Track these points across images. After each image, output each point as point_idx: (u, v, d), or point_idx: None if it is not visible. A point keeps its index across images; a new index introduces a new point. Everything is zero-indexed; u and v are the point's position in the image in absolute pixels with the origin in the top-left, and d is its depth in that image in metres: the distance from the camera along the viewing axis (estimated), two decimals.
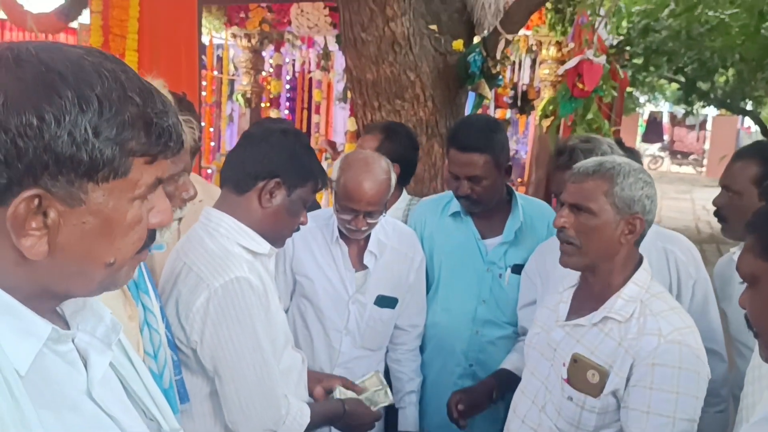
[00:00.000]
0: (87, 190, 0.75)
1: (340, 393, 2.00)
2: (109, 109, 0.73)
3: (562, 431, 1.73)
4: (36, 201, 0.72)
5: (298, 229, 1.81)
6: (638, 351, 1.61)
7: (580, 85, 2.95)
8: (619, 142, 3.21)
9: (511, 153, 8.34)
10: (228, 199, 1.73)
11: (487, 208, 2.34)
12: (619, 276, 1.72)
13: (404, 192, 2.79)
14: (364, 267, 2.26)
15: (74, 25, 5.48)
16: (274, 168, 1.69)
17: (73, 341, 0.84)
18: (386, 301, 2.28)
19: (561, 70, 3.12)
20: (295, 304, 2.34)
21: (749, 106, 14.31)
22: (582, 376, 1.66)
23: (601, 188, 1.67)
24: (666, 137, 25.57)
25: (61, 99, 0.71)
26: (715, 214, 2.12)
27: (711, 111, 20.96)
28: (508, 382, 2.20)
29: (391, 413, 2.46)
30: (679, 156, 24.12)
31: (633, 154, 3.22)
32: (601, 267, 1.72)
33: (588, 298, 1.76)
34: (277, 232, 1.75)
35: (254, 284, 1.59)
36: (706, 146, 23.66)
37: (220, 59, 9.13)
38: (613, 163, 1.70)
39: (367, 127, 2.84)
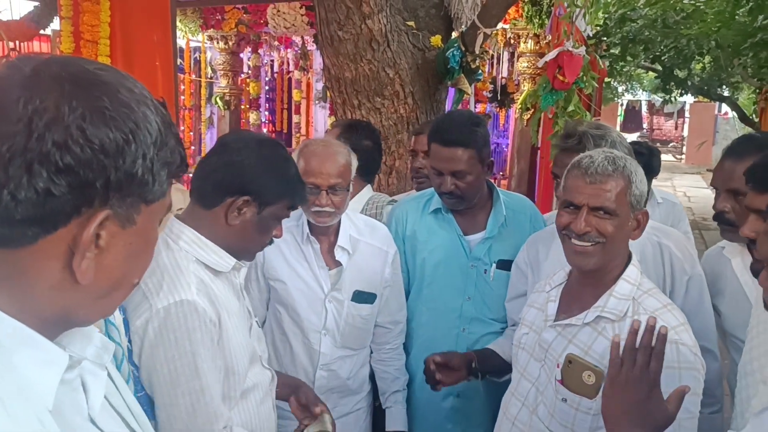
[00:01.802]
0: (140, 211, 0.76)
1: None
2: (165, 134, 0.75)
3: None
4: (101, 222, 0.71)
5: (271, 242, 1.71)
6: None
7: (561, 77, 2.93)
8: None
9: (493, 146, 8.41)
10: (194, 212, 1.62)
11: (470, 205, 2.32)
12: (611, 273, 1.69)
13: (368, 187, 2.77)
14: (338, 264, 2.24)
15: (48, 32, 5.40)
16: (245, 184, 1.57)
17: None
18: (364, 297, 2.26)
19: (541, 62, 3.10)
20: (271, 312, 2.30)
21: (726, 93, 14.45)
22: (577, 377, 1.63)
23: (623, 188, 1.63)
24: (645, 126, 25.81)
25: (137, 121, 0.71)
26: (717, 218, 2.04)
27: (688, 98, 21.13)
28: (490, 360, 2.16)
29: (378, 414, 2.44)
30: (658, 144, 24.33)
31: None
32: (611, 264, 1.69)
33: (578, 297, 1.73)
34: (244, 248, 1.65)
35: (200, 308, 1.48)
36: (685, 133, 23.89)
37: (197, 62, 9.06)
38: (624, 160, 1.65)
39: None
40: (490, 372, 2.15)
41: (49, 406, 0.70)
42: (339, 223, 2.24)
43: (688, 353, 1.56)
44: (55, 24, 4.81)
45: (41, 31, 5.62)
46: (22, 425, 0.66)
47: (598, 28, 7.58)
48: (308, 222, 2.22)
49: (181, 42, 8.02)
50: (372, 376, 2.42)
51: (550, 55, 3.00)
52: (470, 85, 3.67)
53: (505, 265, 2.30)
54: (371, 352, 2.41)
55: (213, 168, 1.60)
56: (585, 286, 1.72)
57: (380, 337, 2.38)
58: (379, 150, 2.84)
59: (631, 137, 23.76)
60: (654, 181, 3.72)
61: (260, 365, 1.72)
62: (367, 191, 2.75)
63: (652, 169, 3.69)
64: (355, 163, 2.21)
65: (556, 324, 1.73)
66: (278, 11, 6.43)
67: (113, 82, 0.72)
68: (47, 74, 0.69)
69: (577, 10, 3.08)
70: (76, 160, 0.67)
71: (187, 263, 1.54)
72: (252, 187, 1.57)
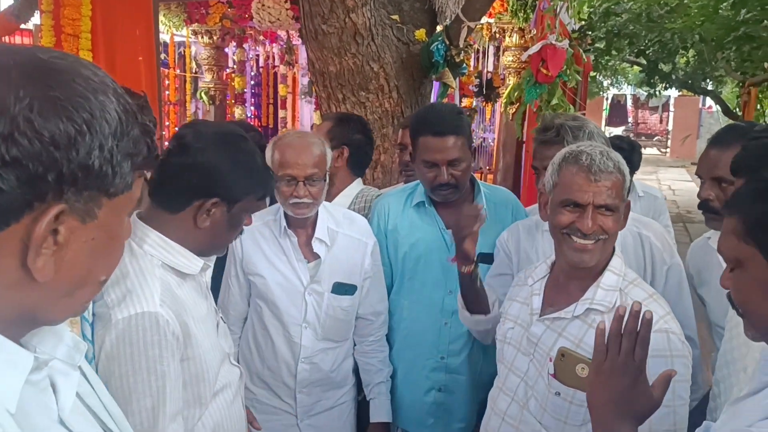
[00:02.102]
0: (102, 205, 0.72)
1: None
2: (126, 123, 0.72)
3: (547, 427, 1.69)
4: (56, 217, 0.68)
5: (241, 232, 1.67)
6: None
7: (544, 71, 2.94)
8: None
9: (479, 140, 8.42)
10: (159, 216, 1.52)
11: (461, 196, 2.32)
12: (598, 265, 1.69)
13: (358, 181, 2.76)
14: (316, 256, 2.24)
15: (30, 26, 5.34)
16: (212, 186, 1.49)
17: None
18: (344, 288, 2.26)
19: (524, 56, 3.11)
20: (252, 307, 2.31)
21: (710, 86, 14.56)
22: (570, 370, 1.62)
23: (621, 184, 1.65)
24: (630, 120, 25.95)
25: (92, 110, 0.68)
26: (702, 207, 2.05)
27: (673, 92, 21.27)
28: (479, 292, 2.09)
29: (363, 408, 2.44)
30: (643, 138, 24.48)
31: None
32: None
33: (564, 289, 1.74)
34: (215, 246, 1.61)
35: (162, 321, 1.41)
36: (670, 127, 24.04)
37: (182, 57, 9.01)
38: (617, 156, 1.67)
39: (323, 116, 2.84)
40: (476, 301, 2.08)
41: (11, 409, 0.68)
42: (316, 215, 2.24)
43: (677, 341, 1.58)
44: (37, 18, 4.76)
45: (23, 26, 5.56)
46: None
47: (583, 22, 7.61)
48: (285, 215, 2.22)
49: (165, 37, 7.96)
50: (356, 369, 2.42)
51: (534, 49, 3.01)
52: (455, 78, 3.67)
53: (486, 258, 2.30)
54: (354, 345, 2.41)
55: (176, 171, 1.51)
56: (571, 278, 1.72)
57: (362, 329, 2.38)
58: (371, 143, 2.82)
59: (617, 131, 23.96)
60: (638, 174, 3.75)
61: (228, 363, 1.68)
62: (356, 185, 2.74)
63: (632, 164, 3.71)
64: (330, 153, 2.21)
65: (544, 318, 1.73)
66: (263, 5, 6.39)
67: (68, 70, 0.69)
68: None
69: (561, 3, 3.09)
70: (24, 152, 0.64)
71: (153, 269, 1.47)
72: (219, 188, 1.51)
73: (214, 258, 1.67)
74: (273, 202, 2.18)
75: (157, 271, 1.47)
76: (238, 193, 1.54)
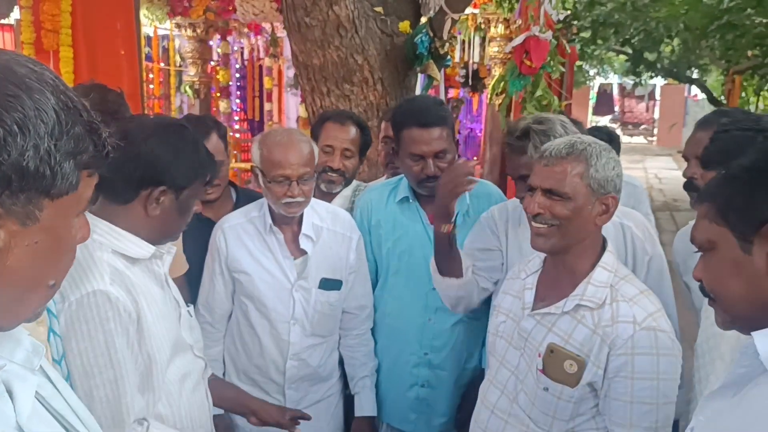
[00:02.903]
0: (42, 207, 0.70)
1: None
2: (65, 122, 0.69)
3: (536, 422, 1.70)
4: None
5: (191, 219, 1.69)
6: (614, 339, 1.59)
7: (528, 62, 2.94)
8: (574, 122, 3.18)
9: (466, 131, 8.41)
10: (108, 209, 1.55)
11: None
12: (587, 260, 1.69)
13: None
14: (302, 252, 2.23)
15: (10, 21, 5.26)
16: (158, 174, 1.53)
17: None
18: (330, 284, 2.26)
19: (508, 47, 3.11)
20: (237, 305, 2.30)
21: (695, 75, 14.62)
22: (559, 366, 1.63)
23: (577, 170, 1.63)
24: (617, 109, 26.01)
25: (24, 110, 0.66)
26: (687, 186, 2.07)
27: (659, 81, 21.34)
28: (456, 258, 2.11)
29: (349, 401, 2.44)
30: (630, 127, 24.56)
31: (579, 125, 3.20)
32: (572, 250, 1.69)
33: (555, 284, 1.73)
34: (167, 233, 1.63)
35: (114, 297, 1.44)
36: (656, 116, 24.13)
37: (165, 50, 8.92)
38: (584, 144, 1.66)
39: (338, 115, 2.70)
40: (450, 264, 2.10)
41: None
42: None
43: (665, 339, 1.58)
44: (16, 13, 4.69)
45: (4, 21, 5.49)
46: None
47: (568, 11, 7.61)
48: (271, 212, 2.21)
49: (148, 30, 7.88)
50: (342, 362, 2.43)
51: (517, 41, 3.00)
52: (439, 70, 3.65)
53: None
54: (340, 339, 2.41)
55: (120, 162, 1.50)
56: (562, 273, 1.72)
57: (347, 323, 2.38)
58: (366, 139, 2.74)
59: (604, 120, 24.02)
60: (624, 163, 3.75)
61: (192, 354, 1.69)
62: (350, 185, 2.72)
63: None
64: (316, 149, 2.19)
65: (535, 313, 1.73)
66: None
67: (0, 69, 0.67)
68: None
69: None
70: None
71: (101, 254, 1.50)
72: (165, 175, 1.54)
73: (173, 250, 1.67)
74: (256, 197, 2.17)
75: (105, 256, 1.49)
76: (184, 180, 1.58)
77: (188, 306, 1.77)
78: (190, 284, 2.36)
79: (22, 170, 0.66)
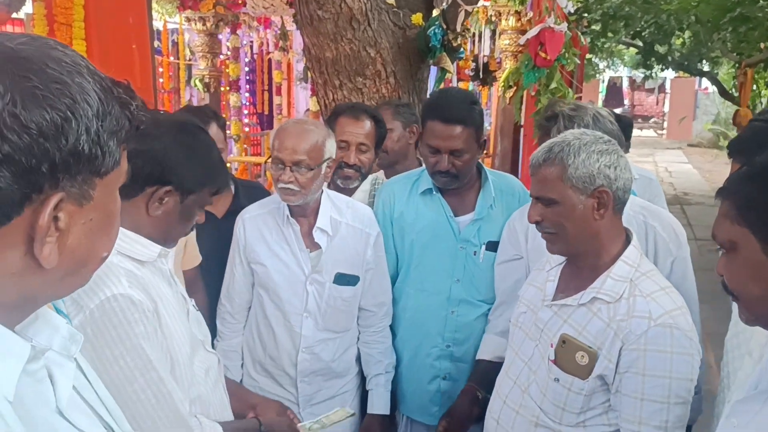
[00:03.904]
0: (95, 186, 0.73)
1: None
2: (106, 103, 0.72)
3: (546, 413, 1.69)
4: (55, 205, 0.69)
5: (193, 228, 1.63)
6: (627, 334, 1.57)
7: (543, 54, 2.92)
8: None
9: None
10: None
11: (462, 185, 2.30)
12: (608, 253, 1.67)
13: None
14: (318, 246, 2.22)
15: (20, 15, 5.28)
16: (166, 173, 1.48)
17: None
18: (345, 279, 2.24)
19: (522, 39, 3.09)
20: (255, 296, 2.30)
21: (706, 68, 14.51)
22: (570, 357, 1.62)
23: (556, 174, 1.63)
24: (626, 102, 25.91)
25: (72, 95, 0.68)
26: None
27: (669, 74, 21.19)
28: (489, 374, 2.14)
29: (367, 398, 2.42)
30: (640, 120, 24.44)
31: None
32: (588, 248, 1.68)
33: (576, 276, 1.72)
34: (167, 235, 1.57)
35: (136, 300, 1.39)
36: (666, 109, 23.99)
37: (175, 44, 8.94)
38: (562, 145, 1.64)
39: (352, 109, 2.67)
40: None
41: (9, 397, 0.68)
42: (319, 204, 2.21)
43: (682, 338, 1.55)
44: (28, 7, 4.70)
45: (14, 15, 5.49)
46: None
47: (579, 4, 7.57)
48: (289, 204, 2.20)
49: (158, 24, 7.90)
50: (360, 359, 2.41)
51: (532, 32, 2.98)
52: (452, 63, 3.64)
53: (494, 246, 2.28)
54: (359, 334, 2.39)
55: (130, 156, 1.52)
56: (582, 266, 1.71)
57: (365, 320, 2.37)
58: (382, 132, 2.67)
59: None
60: (634, 157, 3.72)
61: (203, 349, 1.66)
62: (368, 179, 2.68)
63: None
64: (331, 143, 2.15)
65: (552, 304, 1.72)
66: None
67: (37, 56, 0.68)
68: None
69: None
70: (15, 148, 0.64)
71: (112, 257, 1.44)
72: (174, 175, 1.49)
73: (174, 244, 1.63)
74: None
75: (115, 259, 1.44)
76: (192, 184, 1.53)
77: (191, 299, 1.72)
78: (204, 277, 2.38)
79: (79, 154, 0.69)
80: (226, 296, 2.31)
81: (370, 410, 2.36)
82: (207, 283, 2.42)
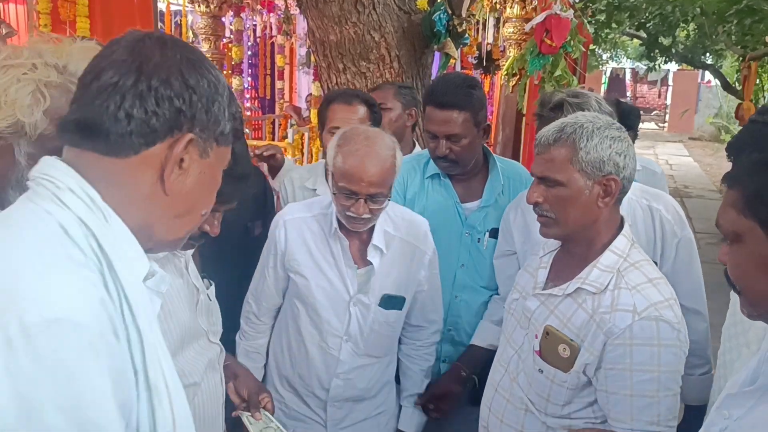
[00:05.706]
0: (213, 148, 0.96)
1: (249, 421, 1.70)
2: (231, 97, 0.98)
3: (533, 403, 1.68)
4: (185, 146, 0.91)
5: (202, 239, 1.51)
6: (610, 328, 1.53)
7: (549, 41, 2.91)
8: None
9: None
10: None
11: (465, 170, 2.28)
12: (600, 241, 1.63)
13: None
14: (368, 263, 2.01)
15: None
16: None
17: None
18: (393, 302, 2.05)
19: (528, 26, 3.08)
20: (288, 306, 2.12)
21: (710, 60, 14.47)
22: (553, 349, 1.60)
23: (566, 156, 1.56)
24: (629, 94, 25.84)
25: (217, 75, 0.95)
26: None
27: (672, 66, 21.13)
28: (477, 357, 2.17)
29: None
30: (641, 112, 24.38)
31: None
32: (582, 234, 1.63)
33: (567, 265, 1.69)
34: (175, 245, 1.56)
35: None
36: (668, 101, 23.94)
37: (178, 26, 8.87)
38: (575, 126, 1.58)
39: (344, 95, 2.62)
40: (485, 367, 2.03)
41: (140, 279, 0.90)
42: None
43: (668, 330, 1.52)
44: None
45: None
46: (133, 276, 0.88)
47: None
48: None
49: (161, 5, 7.85)
50: (399, 376, 2.26)
51: (538, 19, 2.97)
52: (457, 49, 3.62)
53: (497, 233, 2.28)
54: (400, 344, 2.24)
55: None
56: (573, 255, 1.68)
57: (411, 333, 2.22)
58: (376, 116, 2.57)
59: None
60: (636, 149, 3.71)
61: (206, 339, 1.59)
62: None
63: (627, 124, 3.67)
64: (400, 158, 1.94)
65: (539, 293, 1.70)
66: None
67: (202, 58, 0.96)
68: (150, 37, 0.92)
69: None
70: (176, 92, 0.90)
71: None
72: None
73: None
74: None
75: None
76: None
77: (208, 288, 1.66)
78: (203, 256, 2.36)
79: (216, 117, 0.95)
80: (253, 297, 2.16)
81: (401, 426, 2.24)
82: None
